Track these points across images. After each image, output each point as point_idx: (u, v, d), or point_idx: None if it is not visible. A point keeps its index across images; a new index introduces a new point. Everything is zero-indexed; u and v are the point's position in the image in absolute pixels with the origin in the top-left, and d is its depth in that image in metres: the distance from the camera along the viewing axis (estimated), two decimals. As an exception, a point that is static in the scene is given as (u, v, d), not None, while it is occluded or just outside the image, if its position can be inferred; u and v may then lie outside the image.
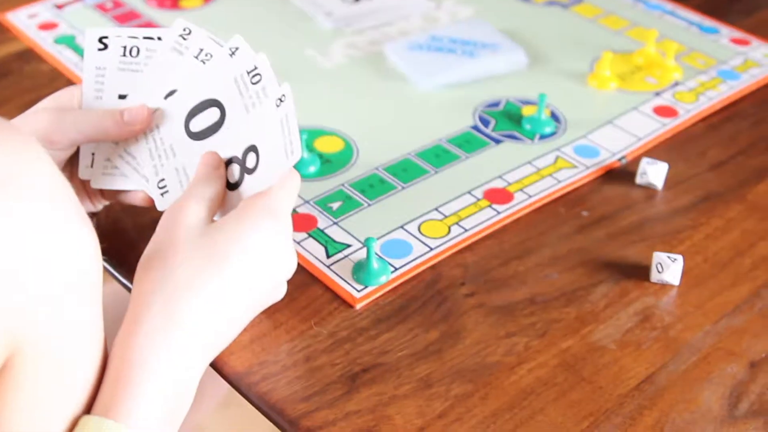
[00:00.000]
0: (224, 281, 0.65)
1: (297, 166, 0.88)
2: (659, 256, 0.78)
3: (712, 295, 0.78)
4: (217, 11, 1.17)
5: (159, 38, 0.76)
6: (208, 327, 0.64)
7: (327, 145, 0.93)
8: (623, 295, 0.78)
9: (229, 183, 0.72)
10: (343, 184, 0.88)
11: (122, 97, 0.76)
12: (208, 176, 0.71)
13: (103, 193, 0.80)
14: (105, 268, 0.79)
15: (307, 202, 0.86)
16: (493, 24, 1.12)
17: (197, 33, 0.76)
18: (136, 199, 0.78)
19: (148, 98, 0.76)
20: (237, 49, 0.73)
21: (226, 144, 0.72)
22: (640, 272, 0.80)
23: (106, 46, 0.76)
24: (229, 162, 0.72)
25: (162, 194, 0.75)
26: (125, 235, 0.83)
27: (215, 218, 0.70)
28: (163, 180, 0.75)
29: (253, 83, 0.71)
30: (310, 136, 0.94)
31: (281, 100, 0.68)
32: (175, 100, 0.75)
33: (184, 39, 0.76)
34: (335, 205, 0.85)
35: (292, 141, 0.67)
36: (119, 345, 0.62)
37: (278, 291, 0.72)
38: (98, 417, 0.58)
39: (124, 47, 0.76)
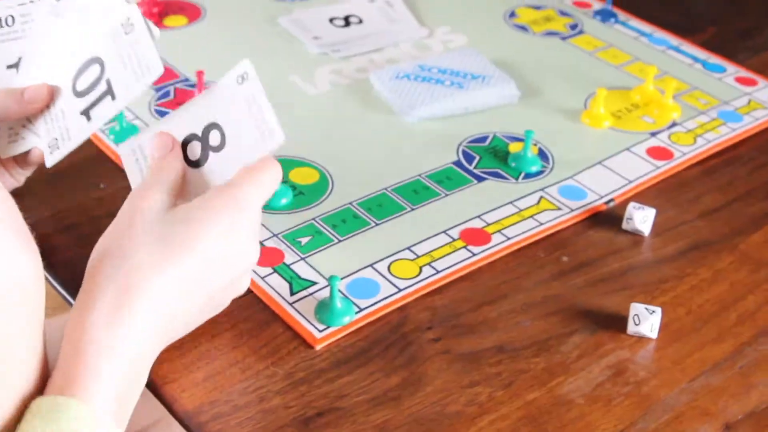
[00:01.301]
0: (182, 269, 0.67)
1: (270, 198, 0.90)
2: (637, 308, 0.79)
3: (691, 351, 0.78)
4: (203, 31, 1.19)
5: (32, 1, 0.79)
6: (163, 312, 0.66)
7: (302, 177, 0.94)
8: (597, 347, 0.78)
9: (190, 161, 0.74)
10: (314, 218, 0.89)
11: (11, 66, 0.80)
12: (163, 161, 0.73)
13: (18, 162, 0.83)
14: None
15: (275, 235, 0.87)
16: (486, 54, 1.13)
17: None
18: (35, 158, 0.82)
19: (36, 65, 0.79)
20: (111, 1, 0.76)
21: (183, 122, 0.75)
22: (617, 323, 0.80)
23: None
24: (188, 141, 0.74)
25: (51, 152, 0.80)
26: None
27: (179, 202, 0.72)
28: (55, 139, 0.79)
29: (126, 33, 0.74)
30: (284, 167, 0.94)
31: (243, 78, 0.71)
32: (60, 63, 0.77)
33: (58, 0, 0.79)
34: (304, 240, 0.86)
35: (267, 121, 0.70)
36: (71, 328, 0.64)
37: (238, 285, 0.74)
38: (52, 396, 0.59)
39: None
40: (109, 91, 0.75)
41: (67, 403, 0.59)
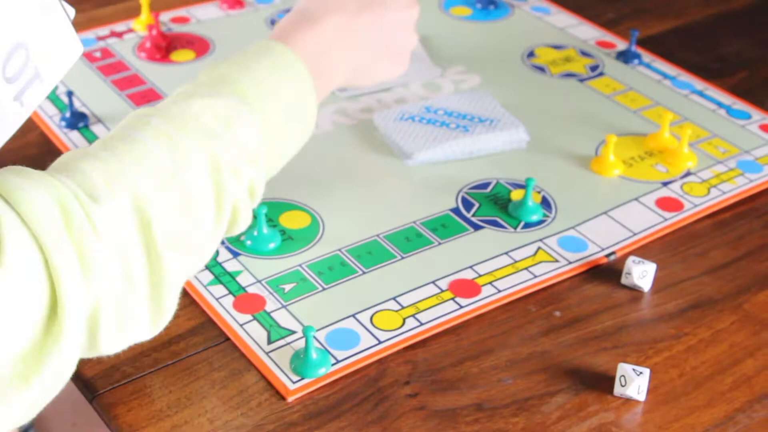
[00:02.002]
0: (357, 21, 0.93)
1: (256, 243, 0.91)
2: (624, 368, 0.79)
3: (679, 416, 0.78)
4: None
5: None
6: (341, 46, 0.92)
7: (292, 221, 0.96)
8: (581, 408, 0.78)
9: None
10: (300, 265, 0.90)
11: None
12: None
13: None
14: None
15: (258, 281, 0.88)
16: (499, 96, 1.14)
17: None
18: None
19: None
20: None
21: None
22: (604, 384, 0.80)
23: None
24: None
25: None
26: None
27: None
28: None
29: (44, 15, 0.76)
30: (275, 210, 0.96)
31: None
32: None
33: None
34: (287, 287, 0.88)
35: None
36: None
37: (399, 62, 1.00)
38: (264, 41, 0.87)
39: None
40: (37, 75, 0.77)
41: (276, 46, 0.86)
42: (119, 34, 1.27)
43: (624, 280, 0.90)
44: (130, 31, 1.28)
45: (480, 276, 0.90)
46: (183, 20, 1.31)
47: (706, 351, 0.84)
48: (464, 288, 0.89)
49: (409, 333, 0.84)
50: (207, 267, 0.90)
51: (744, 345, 0.85)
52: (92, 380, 0.80)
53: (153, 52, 1.22)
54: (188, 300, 0.87)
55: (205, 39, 1.27)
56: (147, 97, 1.14)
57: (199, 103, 0.77)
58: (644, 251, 0.94)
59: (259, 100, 0.81)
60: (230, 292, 0.87)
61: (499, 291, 0.88)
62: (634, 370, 0.79)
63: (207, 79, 0.81)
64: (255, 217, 0.90)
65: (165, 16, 1.31)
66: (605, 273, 0.92)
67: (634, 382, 0.78)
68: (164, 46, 1.22)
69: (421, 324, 0.85)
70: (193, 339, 0.84)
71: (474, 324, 0.86)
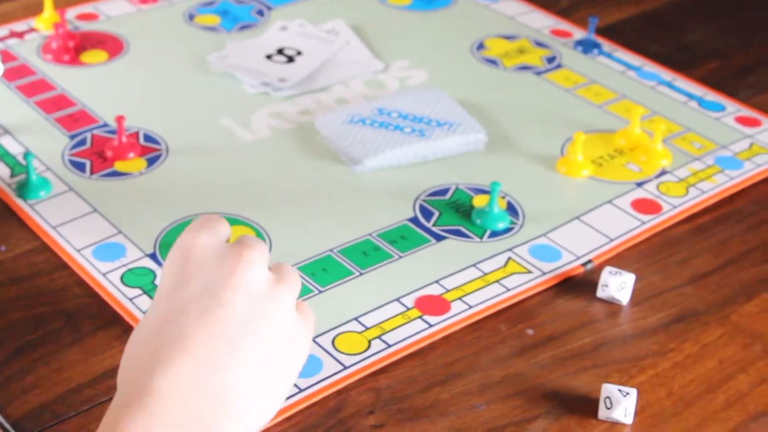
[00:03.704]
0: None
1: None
2: (609, 389, 0.81)
3: (670, 438, 0.80)
4: (124, 68, 1.22)
5: None
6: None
7: (235, 237, 0.95)
8: (563, 435, 0.80)
9: None
10: (246, 286, 0.91)
11: None
12: None
13: None
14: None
15: (199, 307, 0.89)
16: (450, 93, 1.16)
17: None
18: None
19: None
20: None
21: None
22: (587, 406, 0.82)
23: None
24: None
25: None
26: None
27: None
28: None
29: None
30: (213, 225, 0.97)
31: None
32: None
33: None
34: (232, 312, 0.88)
35: None
36: None
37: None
38: None
39: None
40: None
41: None
42: (20, 34, 1.27)
43: (600, 293, 0.92)
44: (32, 30, 1.27)
45: (448, 291, 0.91)
46: (91, 17, 1.31)
47: (694, 368, 0.86)
48: (432, 305, 0.90)
49: (375, 356, 0.85)
50: (144, 291, 0.90)
51: (735, 360, 0.87)
52: (20, 422, 0.79)
53: (60, 54, 1.21)
54: (122, 328, 0.87)
55: (117, 37, 1.27)
56: (58, 104, 1.13)
57: None
58: (621, 259, 0.96)
59: None
60: (172, 320, 0.87)
61: (470, 307, 0.90)
62: (619, 390, 0.81)
63: None
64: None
65: (70, 13, 1.30)
66: (578, 286, 0.94)
67: (621, 404, 0.80)
68: (73, 47, 1.22)
69: (389, 346, 0.86)
70: (131, 373, 0.84)
71: (440, 346, 0.87)
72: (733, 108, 1.18)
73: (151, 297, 0.89)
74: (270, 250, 0.95)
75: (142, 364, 0.66)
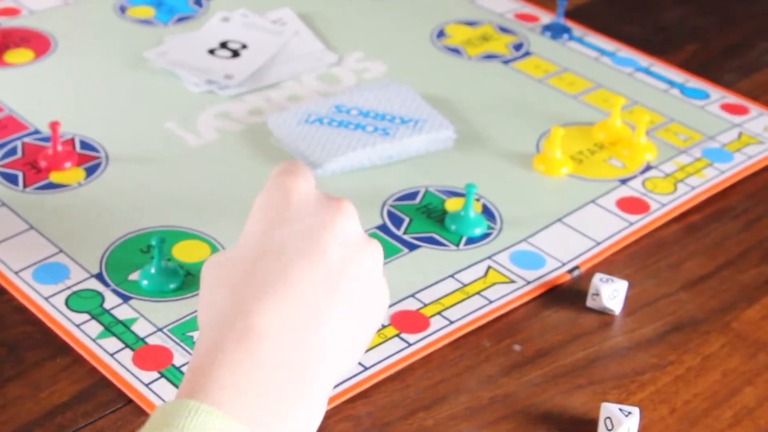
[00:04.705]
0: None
1: (154, 283, 0.90)
2: (609, 409, 0.79)
3: (677, 460, 0.79)
4: (53, 67, 1.19)
5: None
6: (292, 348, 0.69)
7: (188, 253, 0.94)
8: (561, 461, 0.79)
9: None
10: (204, 306, 0.89)
11: None
12: None
13: None
14: None
15: (160, 329, 0.86)
16: (411, 86, 1.14)
17: None
18: None
19: None
20: None
21: None
22: (586, 428, 0.81)
23: None
24: None
25: None
26: None
27: None
28: None
29: None
30: (167, 240, 0.94)
31: None
32: None
33: None
34: (197, 335, 0.86)
35: None
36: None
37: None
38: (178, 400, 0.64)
39: None
40: None
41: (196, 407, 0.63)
42: (-69, 32, 1.24)
43: (590, 303, 0.91)
44: (-54, 26, 1.25)
45: (426, 306, 0.90)
46: (12, 12, 1.28)
47: (697, 382, 0.85)
48: (409, 321, 0.88)
49: (353, 380, 0.83)
50: (93, 316, 0.87)
51: (740, 371, 0.86)
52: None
53: (-20, 53, 1.19)
54: (71, 358, 0.84)
55: (43, 34, 1.24)
56: (-18, 109, 1.11)
57: None
58: (608, 266, 0.95)
59: None
60: (127, 345, 0.85)
61: (451, 322, 0.88)
62: (621, 410, 0.79)
63: None
64: (151, 249, 0.89)
65: (-12, 8, 1.28)
66: (566, 295, 0.92)
67: (623, 425, 0.79)
68: (-5, 45, 1.20)
69: (366, 368, 0.84)
70: (82, 407, 0.81)
71: (420, 366, 0.85)
72: (718, 95, 1.18)
73: (100, 323, 0.87)
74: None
75: (235, 300, 0.69)
